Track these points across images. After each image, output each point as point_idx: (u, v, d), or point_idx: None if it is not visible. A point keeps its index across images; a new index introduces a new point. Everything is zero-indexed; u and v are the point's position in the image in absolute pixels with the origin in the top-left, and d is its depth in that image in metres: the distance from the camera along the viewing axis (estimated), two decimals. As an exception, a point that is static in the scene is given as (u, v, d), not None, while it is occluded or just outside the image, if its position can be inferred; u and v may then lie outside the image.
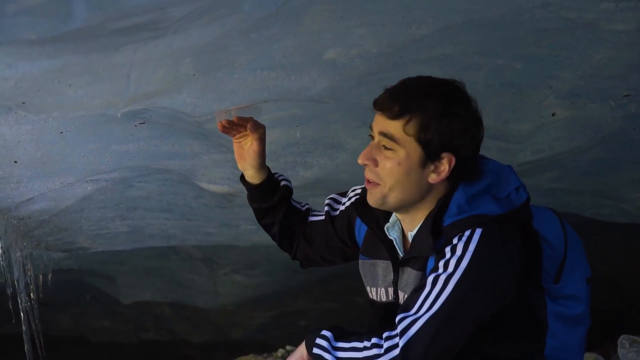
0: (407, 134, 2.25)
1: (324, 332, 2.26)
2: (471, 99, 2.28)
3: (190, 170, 4.29)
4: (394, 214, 2.40)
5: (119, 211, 4.79)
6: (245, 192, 2.65)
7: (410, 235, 2.36)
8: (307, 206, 2.68)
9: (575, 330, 2.41)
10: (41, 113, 3.29)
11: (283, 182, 2.63)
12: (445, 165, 2.26)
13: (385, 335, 2.19)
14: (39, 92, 3.09)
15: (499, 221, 2.23)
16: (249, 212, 2.70)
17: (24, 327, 4.74)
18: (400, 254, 2.38)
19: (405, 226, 2.38)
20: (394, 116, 2.26)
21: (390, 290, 2.39)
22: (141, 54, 2.99)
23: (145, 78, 3.17)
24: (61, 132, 3.57)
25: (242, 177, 2.63)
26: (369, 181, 2.32)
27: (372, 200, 2.33)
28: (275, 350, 6.55)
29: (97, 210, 4.71)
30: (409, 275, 2.33)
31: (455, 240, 2.23)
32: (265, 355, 6.49)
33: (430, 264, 2.27)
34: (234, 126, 2.54)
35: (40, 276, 5.27)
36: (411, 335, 2.16)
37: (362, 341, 2.21)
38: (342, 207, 2.60)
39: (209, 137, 3.83)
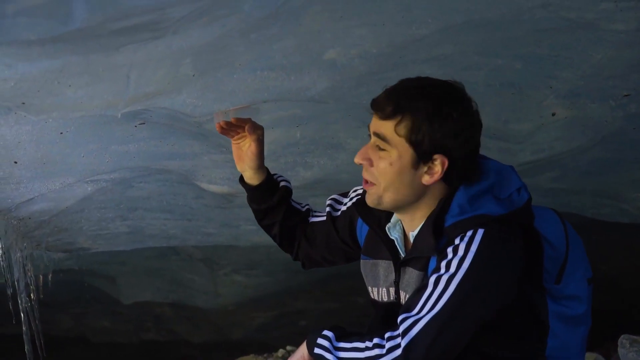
0: (399, 135, 2.24)
1: (326, 332, 2.26)
2: (469, 101, 2.26)
3: (190, 171, 4.29)
4: (395, 214, 2.40)
5: (119, 211, 4.79)
6: (245, 192, 2.65)
7: (411, 235, 2.35)
8: (307, 207, 2.67)
9: (576, 330, 2.41)
10: (41, 113, 3.29)
11: (282, 183, 2.63)
12: (438, 167, 2.25)
13: (387, 335, 2.19)
14: (39, 92, 3.09)
15: (500, 221, 2.23)
16: (249, 212, 2.70)
17: (24, 328, 4.74)
18: (402, 254, 2.38)
19: (406, 226, 2.37)
20: (386, 116, 2.25)
21: (392, 290, 2.39)
22: (141, 54, 2.98)
23: (145, 78, 3.17)
24: (61, 133, 3.56)
25: (241, 179, 2.63)
26: (366, 181, 2.33)
27: (369, 200, 2.33)
28: (276, 350, 6.55)
29: (97, 210, 4.71)
30: (411, 275, 2.32)
31: (457, 241, 2.22)
32: (265, 355, 6.49)
33: (432, 264, 2.26)
34: (232, 127, 2.52)
35: (41, 276, 5.27)
36: (413, 335, 2.16)
37: (363, 341, 2.21)
38: (343, 208, 2.60)
39: (209, 138, 3.83)
